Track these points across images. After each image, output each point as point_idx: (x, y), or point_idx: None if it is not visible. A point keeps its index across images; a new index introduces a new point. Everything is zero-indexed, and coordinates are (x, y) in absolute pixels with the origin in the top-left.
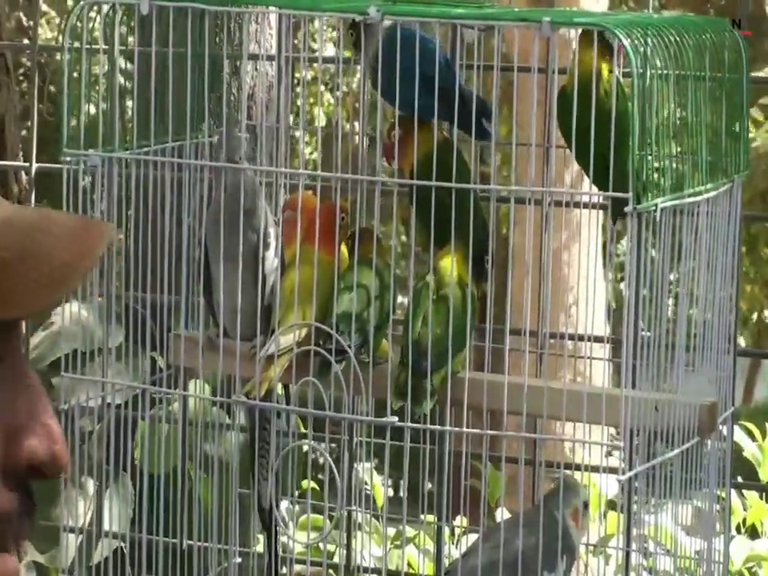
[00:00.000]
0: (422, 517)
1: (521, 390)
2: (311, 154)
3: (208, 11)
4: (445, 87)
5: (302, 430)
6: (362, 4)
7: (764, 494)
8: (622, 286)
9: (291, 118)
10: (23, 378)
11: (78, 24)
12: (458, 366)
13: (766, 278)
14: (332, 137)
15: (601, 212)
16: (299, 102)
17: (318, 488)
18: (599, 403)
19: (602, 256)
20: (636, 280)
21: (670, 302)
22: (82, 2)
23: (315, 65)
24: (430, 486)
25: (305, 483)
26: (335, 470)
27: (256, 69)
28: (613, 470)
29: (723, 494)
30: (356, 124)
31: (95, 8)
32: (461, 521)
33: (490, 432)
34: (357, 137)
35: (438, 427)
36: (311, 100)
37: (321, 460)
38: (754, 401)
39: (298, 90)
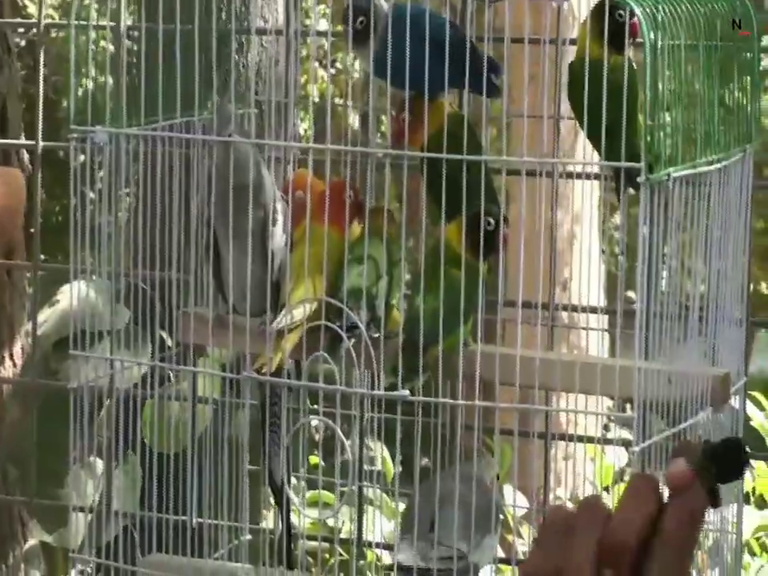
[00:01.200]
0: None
1: (529, 363)
2: (306, 131)
3: None
4: (456, 51)
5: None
6: None
7: None
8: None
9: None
10: None
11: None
12: (456, 340)
13: (760, 251)
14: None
15: (595, 183)
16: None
17: (323, 464)
18: (612, 374)
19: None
20: (648, 251)
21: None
22: None
23: (309, 41)
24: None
25: (313, 459)
26: (347, 446)
27: (262, 45)
28: (626, 443)
29: None
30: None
31: None
32: None
33: (501, 405)
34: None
35: (449, 401)
36: (304, 77)
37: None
38: (749, 372)
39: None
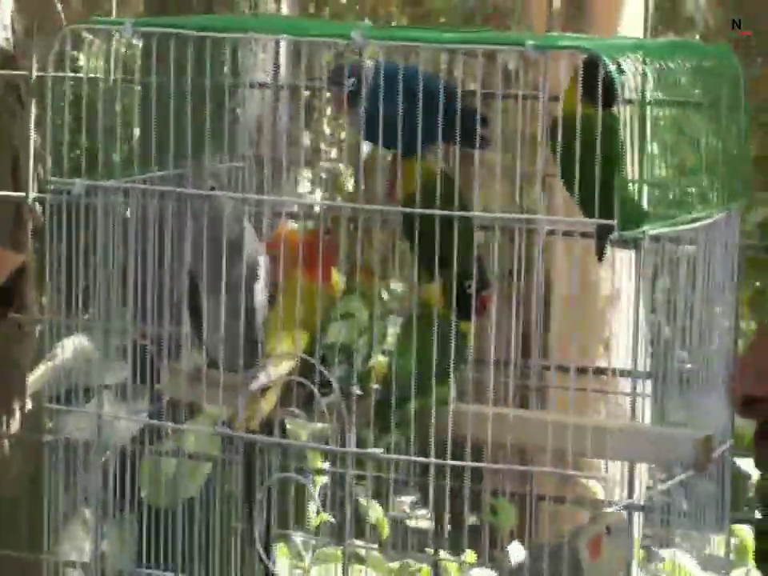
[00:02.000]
0: (428, 551)
1: (511, 423)
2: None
3: (192, 38)
4: (445, 105)
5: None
6: (345, 29)
7: None
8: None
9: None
10: None
11: (67, 50)
12: (439, 398)
13: None
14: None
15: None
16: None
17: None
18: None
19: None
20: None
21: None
22: (64, 30)
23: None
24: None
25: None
26: (316, 499)
27: (263, 98)
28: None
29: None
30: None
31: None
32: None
33: (472, 464)
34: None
35: (421, 459)
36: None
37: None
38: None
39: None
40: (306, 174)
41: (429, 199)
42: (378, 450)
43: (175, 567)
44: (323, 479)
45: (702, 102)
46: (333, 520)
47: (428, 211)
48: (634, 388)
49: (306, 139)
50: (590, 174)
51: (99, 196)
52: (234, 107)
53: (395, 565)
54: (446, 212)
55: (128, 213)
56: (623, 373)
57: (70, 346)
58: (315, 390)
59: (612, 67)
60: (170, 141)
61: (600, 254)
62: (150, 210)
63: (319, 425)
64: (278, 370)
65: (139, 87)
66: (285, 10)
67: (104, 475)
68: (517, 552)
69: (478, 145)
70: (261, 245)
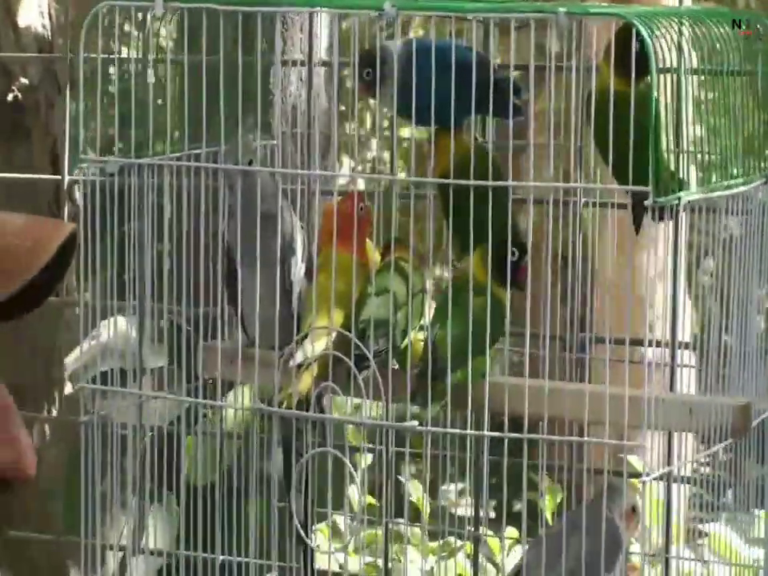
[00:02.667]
0: (468, 528)
1: (563, 395)
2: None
3: (224, 13)
4: (477, 76)
5: (350, 440)
6: (377, 1)
7: None
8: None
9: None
10: None
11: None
12: (477, 371)
13: None
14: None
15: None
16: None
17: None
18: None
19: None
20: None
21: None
22: (96, 7)
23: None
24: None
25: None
26: (356, 477)
27: (301, 78)
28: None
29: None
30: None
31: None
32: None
33: (528, 436)
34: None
35: (457, 431)
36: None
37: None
38: None
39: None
40: (349, 160)
41: (464, 173)
42: (415, 423)
43: (214, 549)
44: (368, 459)
45: (738, 68)
46: (374, 501)
47: (462, 182)
48: (673, 357)
49: (351, 123)
50: (624, 145)
51: (133, 174)
52: (268, 84)
53: (435, 544)
54: (479, 182)
55: (159, 191)
56: (659, 343)
57: (109, 328)
58: (352, 365)
59: (646, 34)
60: (204, 118)
61: (638, 224)
62: (184, 187)
63: (357, 400)
64: (316, 346)
65: (172, 64)
66: None
67: (143, 457)
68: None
69: (511, 114)
70: (297, 220)
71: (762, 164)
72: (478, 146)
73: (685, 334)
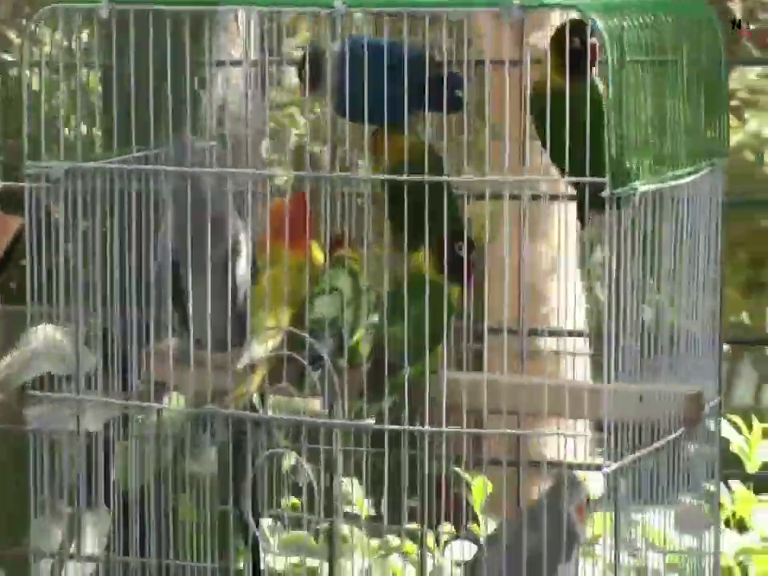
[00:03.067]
0: (404, 525)
1: (501, 388)
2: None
3: (167, 13)
4: (416, 72)
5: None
6: None
7: (751, 486)
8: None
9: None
10: None
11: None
12: (427, 365)
13: (743, 282)
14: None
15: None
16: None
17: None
18: (581, 397)
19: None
20: (616, 270)
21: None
22: (40, 11)
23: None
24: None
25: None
26: (313, 480)
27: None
28: (597, 468)
29: (712, 488)
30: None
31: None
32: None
33: (469, 431)
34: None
35: (416, 428)
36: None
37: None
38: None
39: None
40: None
41: (409, 169)
42: (371, 421)
43: (149, 552)
44: (292, 459)
45: (683, 57)
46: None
47: (404, 178)
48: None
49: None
50: (572, 141)
51: (78, 179)
52: (201, 86)
53: (375, 543)
54: (433, 177)
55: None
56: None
57: (40, 335)
58: (306, 364)
59: (598, 24)
60: (145, 121)
61: (583, 218)
62: (126, 191)
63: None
64: (264, 347)
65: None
66: None
67: (79, 463)
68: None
69: (448, 108)
70: (242, 221)
71: (708, 151)
72: (419, 142)
73: (578, 323)
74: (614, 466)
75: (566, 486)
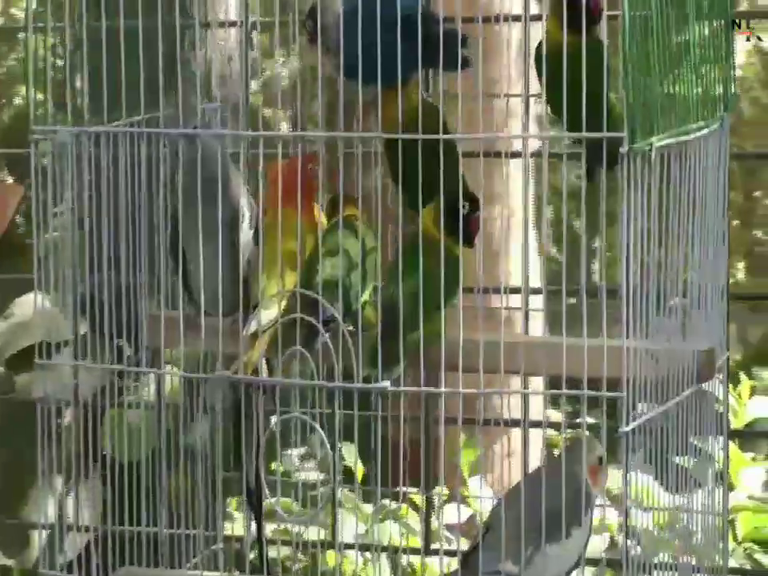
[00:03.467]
0: (402, 488)
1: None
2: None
3: None
4: (424, 30)
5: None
6: None
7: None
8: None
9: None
10: None
11: None
12: (434, 326)
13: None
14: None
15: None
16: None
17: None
18: (600, 355)
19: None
20: (632, 225)
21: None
22: None
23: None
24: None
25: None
26: (327, 445)
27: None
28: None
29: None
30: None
31: None
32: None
33: (486, 391)
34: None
35: (432, 389)
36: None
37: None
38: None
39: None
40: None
41: (413, 128)
42: (386, 384)
43: (143, 521)
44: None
45: (692, 10)
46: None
47: (415, 136)
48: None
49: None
50: (577, 98)
51: (84, 142)
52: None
53: (369, 508)
54: (429, 136)
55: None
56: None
57: (28, 303)
58: (320, 326)
59: None
60: (137, 86)
61: (591, 173)
62: (135, 154)
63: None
64: (269, 312)
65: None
66: None
67: (71, 433)
68: (478, 486)
69: (459, 65)
70: (245, 185)
71: (719, 105)
72: (425, 101)
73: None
74: (632, 425)
75: (574, 447)
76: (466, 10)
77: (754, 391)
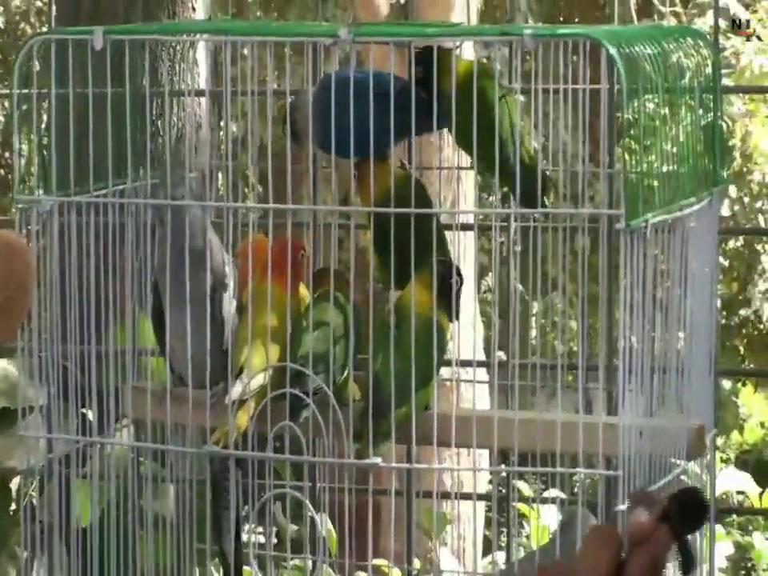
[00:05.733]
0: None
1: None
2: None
3: (159, 43)
4: (399, 101)
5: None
6: (331, 28)
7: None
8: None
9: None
10: None
11: (29, 63)
12: (423, 401)
13: None
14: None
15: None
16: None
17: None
18: (596, 432)
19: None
20: (630, 300)
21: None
22: (30, 41)
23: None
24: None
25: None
26: (317, 521)
27: (184, 108)
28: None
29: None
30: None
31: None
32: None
33: (477, 468)
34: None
35: (423, 466)
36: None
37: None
38: None
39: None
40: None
41: (396, 201)
42: (377, 460)
43: None
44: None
45: (685, 86)
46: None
47: (405, 210)
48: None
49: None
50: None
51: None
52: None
53: None
54: (420, 210)
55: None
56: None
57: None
58: (309, 399)
59: (612, 52)
60: (127, 154)
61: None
62: (117, 224)
63: None
64: (252, 382)
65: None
66: (200, 14)
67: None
68: (447, 558)
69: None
70: (227, 255)
71: (709, 180)
72: (405, 173)
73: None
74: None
75: (579, 521)
76: None
77: None
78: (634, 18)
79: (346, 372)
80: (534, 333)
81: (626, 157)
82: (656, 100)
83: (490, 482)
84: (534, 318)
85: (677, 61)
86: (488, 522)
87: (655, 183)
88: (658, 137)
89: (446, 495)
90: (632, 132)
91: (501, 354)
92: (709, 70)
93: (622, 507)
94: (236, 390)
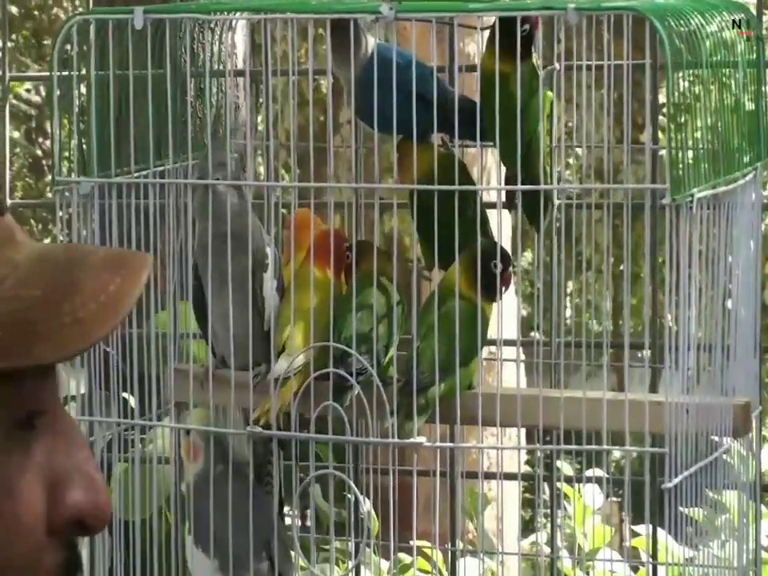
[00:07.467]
0: (412, 543)
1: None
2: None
3: (196, 22)
4: (441, 102)
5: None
6: (372, 5)
7: None
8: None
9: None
10: (65, 428)
11: (67, 46)
12: (465, 381)
13: None
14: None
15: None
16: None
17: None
18: (642, 410)
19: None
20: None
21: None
22: (70, 21)
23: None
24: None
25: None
26: (361, 502)
27: (221, 90)
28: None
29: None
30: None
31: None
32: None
33: (505, 447)
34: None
35: (468, 445)
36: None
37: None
38: None
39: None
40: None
41: (439, 182)
42: (422, 439)
43: None
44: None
45: (729, 60)
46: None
47: (451, 187)
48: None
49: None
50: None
51: (106, 193)
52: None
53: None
54: (463, 187)
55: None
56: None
57: None
58: (353, 380)
59: (661, 28)
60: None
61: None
62: (158, 205)
63: None
64: (294, 362)
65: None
66: None
67: None
68: (489, 538)
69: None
70: (267, 236)
71: (754, 154)
72: (445, 154)
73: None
74: (677, 479)
75: None
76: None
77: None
78: None
79: (390, 353)
80: (568, 312)
81: (671, 131)
82: (699, 74)
83: (527, 462)
84: (568, 298)
85: (720, 34)
86: (524, 503)
87: (699, 157)
88: (702, 111)
89: (490, 476)
90: (677, 106)
91: (534, 334)
92: (753, 43)
93: (669, 485)
94: (280, 366)
